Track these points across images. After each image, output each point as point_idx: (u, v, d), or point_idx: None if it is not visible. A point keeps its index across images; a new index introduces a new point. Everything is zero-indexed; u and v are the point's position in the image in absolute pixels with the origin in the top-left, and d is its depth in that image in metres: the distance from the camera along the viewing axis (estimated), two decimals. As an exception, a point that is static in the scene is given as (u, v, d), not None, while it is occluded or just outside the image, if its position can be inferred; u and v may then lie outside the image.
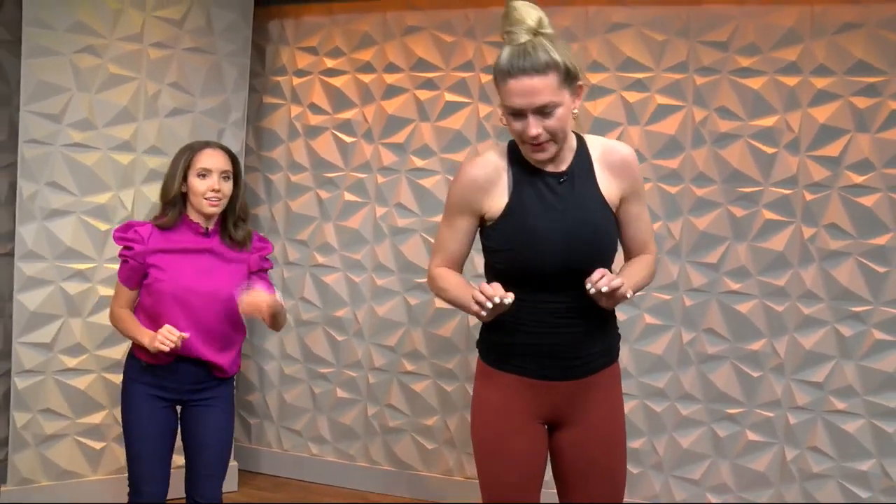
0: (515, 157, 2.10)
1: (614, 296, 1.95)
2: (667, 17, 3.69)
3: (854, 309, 3.54)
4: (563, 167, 2.09)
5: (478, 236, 2.24)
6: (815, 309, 3.59)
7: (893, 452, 3.52)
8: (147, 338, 2.56)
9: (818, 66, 3.53)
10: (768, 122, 3.59)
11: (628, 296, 1.96)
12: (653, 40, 3.71)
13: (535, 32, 1.96)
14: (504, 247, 2.09)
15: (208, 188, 2.61)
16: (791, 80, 3.56)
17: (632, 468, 3.80)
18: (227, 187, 2.67)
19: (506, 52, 1.98)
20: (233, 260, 2.72)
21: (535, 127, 1.96)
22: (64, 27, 3.57)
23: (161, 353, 2.52)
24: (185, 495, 2.79)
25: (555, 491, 2.33)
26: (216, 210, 2.65)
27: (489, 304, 1.90)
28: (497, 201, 2.09)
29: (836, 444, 3.59)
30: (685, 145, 3.70)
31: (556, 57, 1.94)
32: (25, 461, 3.63)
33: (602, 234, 2.10)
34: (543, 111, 1.95)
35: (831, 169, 3.53)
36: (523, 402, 2.15)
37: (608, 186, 2.12)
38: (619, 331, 2.29)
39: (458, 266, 2.23)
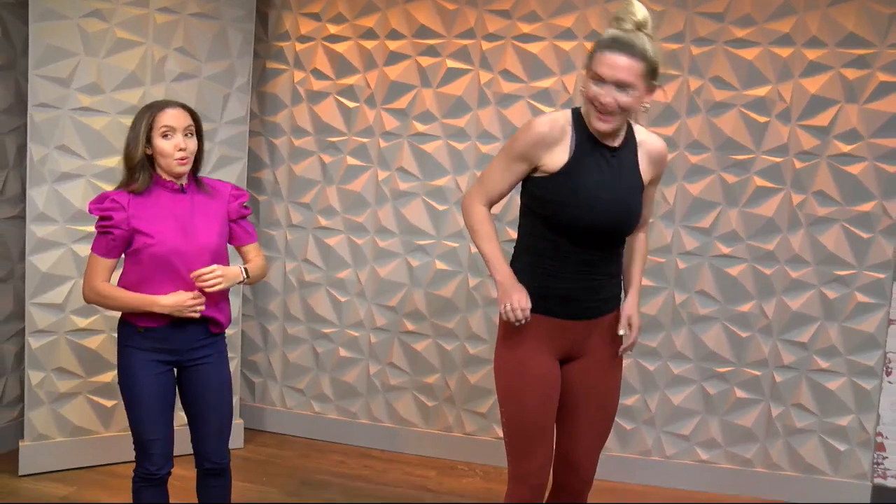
0: (579, 123, 2.35)
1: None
2: (665, -12, 3.78)
3: (839, 273, 3.69)
4: (616, 143, 2.38)
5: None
6: (802, 273, 3.74)
7: (871, 408, 3.72)
8: (167, 302, 2.55)
9: (811, 38, 3.64)
10: (761, 91, 3.71)
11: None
12: (651, 11, 3.77)
13: (639, 27, 2.25)
14: (555, 198, 2.34)
15: (175, 147, 2.57)
16: (784, 52, 3.67)
17: (625, 424, 3.96)
18: (193, 143, 2.64)
19: (611, 32, 2.26)
20: (212, 212, 2.70)
21: (609, 96, 2.22)
22: (71, -9, 3.60)
23: (184, 315, 2.58)
24: (192, 454, 2.79)
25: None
26: (185, 168, 2.62)
27: (516, 318, 2.34)
28: (557, 157, 2.34)
29: (818, 400, 3.77)
30: (680, 113, 3.80)
31: (650, 52, 2.23)
32: (40, 418, 3.73)
33: (634, 206, 2.41)
34: (621, 86, 2.21)
35: (820, 138, 3.66)
36: (544, 339, 2.44)
37: (644, 170, 2.45)
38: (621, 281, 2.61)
39: (493, 202, 2.50)
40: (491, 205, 2.49)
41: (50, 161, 3.65)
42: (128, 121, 3.66)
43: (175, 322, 2.62)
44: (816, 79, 3.65)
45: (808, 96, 3.65)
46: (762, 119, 3.71)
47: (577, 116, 2.37)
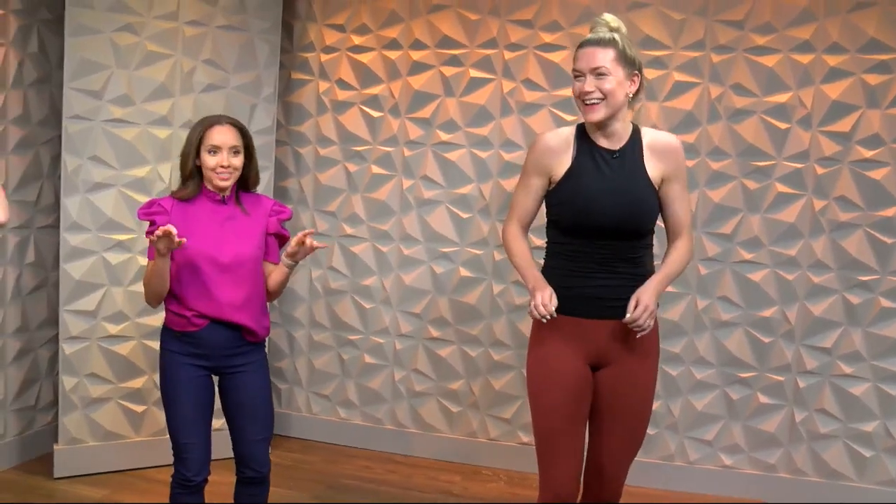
0: (582, 134, 2.52)
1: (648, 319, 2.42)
2: (685, -4, 3.82)
3: (862, 278, 3.70)
4: (618, 146, 2.48)
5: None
6: (825, 278, 3.75)
7: (896, 413, 3.71)
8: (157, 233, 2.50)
9: (831, 45, 3.66)
10: (782, 98, 3.73)
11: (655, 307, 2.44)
12: (671, 19, 3.83)
13: (613, 31, 2.43)
14: (563, 201, 2.48)
15: (217, 164, 2.68)
16: (804, 58, 3.69)
17: (648, 429, 3.96)
18: (238, 161, 2.72)
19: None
20: (250, 225, 2.77)
21: (588, 84, 2.39)
22: (104, 6, 3.69)
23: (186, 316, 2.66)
24: (229, 457, 2.83)
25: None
26: (227, 184, 2.71)
27: (540, 314, 2.37)
28: (562, 165, 2.50)
29: (842, 406, 3.76)
30: (701, 120, 3.84)
31: (616, 39, 2.40)
32: (74, 422, 3.81)
33: (641, 203, 2.47)
34: (597, 73, 2.38)
35: (842, 144, 3.68)
36: (573, 341, 2.50)
37: (653, 167, 2.49)
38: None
39: (528, 222, 2.63)
40: (524, 225, 2.62)
41: (83, 171, 3.74)
42: (158, 131, 3.87)
43: (210, 327, 2.69)
44: (837, 84, 3.67)
45: (830, 102, 3.67)
46: (783, 125, 3.73)
47: (580, 129, 2.53)
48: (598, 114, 2.41)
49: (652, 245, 2.56)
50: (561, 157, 2.50)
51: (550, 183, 2.53)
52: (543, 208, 2.61)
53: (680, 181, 2.54)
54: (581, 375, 2.50)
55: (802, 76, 3.71)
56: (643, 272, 2.52)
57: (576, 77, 2.44)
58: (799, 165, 3.74)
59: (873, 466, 3.74)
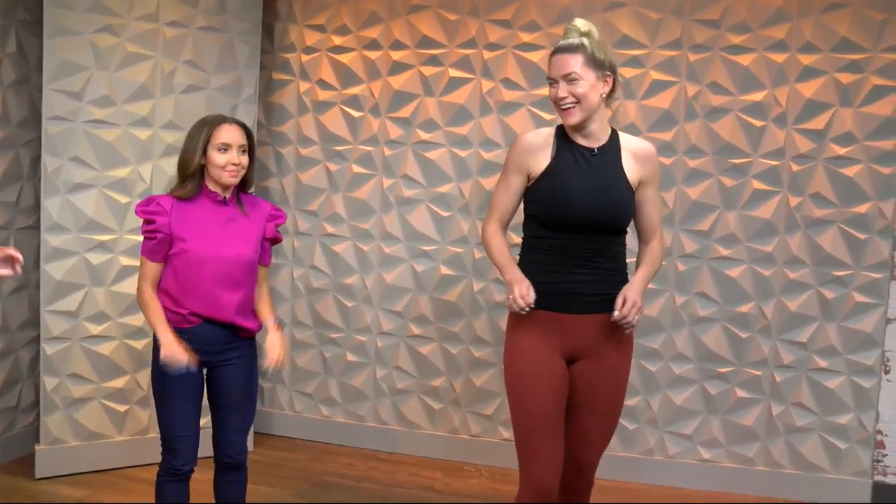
0: (561, 133, 2.59)
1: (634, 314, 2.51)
2: (662, -4, 3.87)
3: (836, 273, 3.76)
4: (597, 145, 2.56)
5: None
6: (800, 273, 3.80)
7: (870, 406, 3.78)
8: (165, 342, 2.62)
9: (805, 44, 3.71)
10: (757, 96, 3.78)
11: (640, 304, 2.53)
12: (648, 18, 3.88)
13: (584, 35, 2.49)
14: (540, 197, 2.54)
15: (228, 161, 2.70)
16: (779, 57, 3.75)
17: (628, 424, 4.03)
18: (245, 160, 2.76)
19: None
20: (249, 226, 2.80)
21: (561, 91, 2.47)
22: (83, 7, 3.69)
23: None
24: (211, 456, 2.86)
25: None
26: (235, 180, 2.74)
27: (518, 306, 2.42)
28: (542, 163, 2.56)
29: (818, 399, 3.82)
30: (678, 119, 3.88)
31: (585, 43, 2.46)
32: (56, 423, 3.81)
33: (619, 200, 2.54)
34: (569, 79, 2.45)
35: (816, 141, 3.73)
36: (548, 335, 2.54)
37: (631, 170, 2.57)
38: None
39: (507, 220, 2.68)
40: (503, 224, 2.66)
41: (63, 172, 3.74)
42: (139, 132, 3.87)
43: (204, 324, 2.72)
44: (811, 83, 3.72)
45: (804, 100, 3.73)
46: (759, 123, 3.79)
47: (561, 128, 2.60)
48: (575, 117, 2.48)
49: (625, 242, 2.61)
50: (540, 155, 2.56)
51: (529, 180, 2.58)
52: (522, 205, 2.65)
53: (654, 186, 2.64)
54: (558, 370, 2.54)
55: (777, 75, 3.76)
56: (618, 267, 2.59)
57: (550, 84, 2.51)
58: (775, 163, 3.79)
59: (848, 458, 3.81)
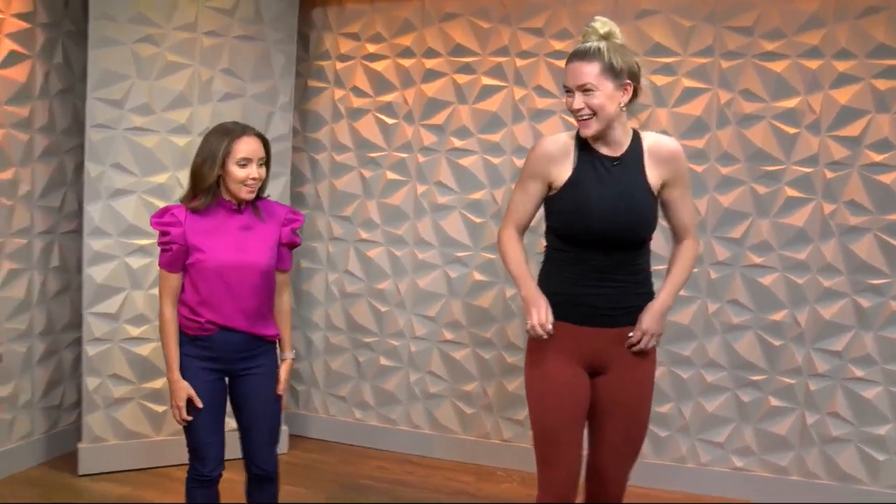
0: (580, 141, 2.50)
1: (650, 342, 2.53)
2: (694, 3, 3.84)
3: (872, 282, 3.71)
4: (618, 153, 2.48)
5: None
6: (835, 282, 3.76)
7: (910, 417, 3.71)
8: (170, 380, 2.72)
9: (840, 50, 3.67)
10: (791, 103, 3.75)
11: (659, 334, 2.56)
12: (680, 26, 3.87)
13: (605, 38, 2.41)
14: (563, 210, 2.48)
15: (247, 176, 2.63)
16: (813, 64, 3.71)
17: (659, 431, 4.02)
18: (263, 172, 2.70)
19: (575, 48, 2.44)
20: (265, 233, 2.75)
21: (577, 102, 2.39)
22: (126, 18, 3.81)
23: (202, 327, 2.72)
24: (242, 458, 2.87)
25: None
26: (252, 196, 2.69)
27: (533, 327, 2.43)
28: (563, 173, 2.49)
29: (854, 409, 3.77)
30: (711, 126, 3.87)
31: (602, 50, 2.36)
32: (97, 422, 3.93)
33: (640, 213, 2.47)
34: (585, 89, 2.37)
35: (851, 148, 3.69)
36: (569, 348, 2.51)
37: (652, 173, 2.49)
38: (652, 296, 2.60)
39: (524, 228, 2.63)
40: (520, 229, 2.62)
41: (105, 178, 3.86)
42: (177, 139, 3.95)
43: (221, 332, 2.71)
44: (846, 89, 3.68)
45: (839, 107, 3.69)
46: (792, 130, 3.76)
47: (579, 135, 2.50)
48: (591, 129, 2.41)
49: (650, 249, 2.58)
50: (561, 165, 2.49)
51: (551, 189, 2.52)
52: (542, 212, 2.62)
53: (681, 185, 2.54)
54: (579, 382, 2.52)
55: (811, 81, 3.73)
56: (641, 279, 2.56)
57: (566, 92, 2.44)
58: (808, 170, 3.76)
59: (886, 470, 3.74)
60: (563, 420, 2.51)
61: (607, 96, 2.37)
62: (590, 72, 2.35)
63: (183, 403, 2.70)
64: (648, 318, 2.51)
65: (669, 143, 2.55)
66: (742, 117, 3.82)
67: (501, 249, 2.63)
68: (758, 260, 3.85)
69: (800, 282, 3.80)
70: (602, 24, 2.43)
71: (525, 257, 2.60)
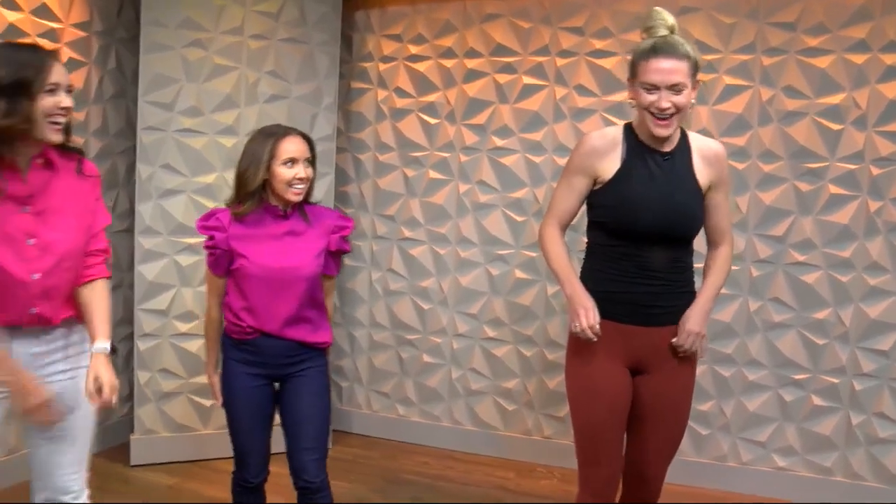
0: (629, 134, 2.48)
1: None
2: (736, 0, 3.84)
3: (919, 280, 3.65)
4: (668, 149, 2.46)
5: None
6: (881, 280, 3.70)
7: (960, 419, 3.64)
8: (210, 378, 2.81)
9: (888, 44, 3.61)
10: (835, 99, 3.71)
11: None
12: (721, 23, 3.85)
13: (671, 30, 2.39)
14: (610, 205, 2.45)
15: (294, 177, 2.59)
16: (859, 58, 3.66)
17: (700, 429, 4.00)
18: (310, 172, 2.66)
19: (650, 41, 2.38)
20: (312, 238, 2.70)
21: (665, 100, 2.32)
22: (175, 24, 3.92)
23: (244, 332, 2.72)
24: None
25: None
26: (299, 198, 2.64)
27: (583, 330, 2.40)
28: (611, 167, 2.45)
29: (901, 410, 3.71)
30: (752, 123, 3.84)
31: (690, 51, 2.35)
32: (148, 414, 4.06)
33: (689, 208, 2.46)
34: (674, 88, 2.32)
35: (898, 144, 3.64)
36: (612, 346, 2.48)
37: (701, 173, 2.49)
38: (694, 296, 2.59)
39: (566, 224, 2.59)
40: (563, 226, 2.58)
41: (155, 179, 3.98)
42: (225, 140, 4.05)
43: (263, 338, 2.67)
44: (894, 84, 3.62)
45: (886, 102, 3.63)
46: (836, 126, 3.71)
47: (628, 129, 2.50)
48: (671, 128, 2.38)
49: (693, 250, 2.56)
50: (608, 159, 2.45)
51: (596, 184, 2.49)
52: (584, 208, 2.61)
53: (724, 189, 2.56)
54: (621, 381, 2.51)
55: (857, 76, 3.67)
56: (686, 278, 2.54)
57: (647, 90, 2.35)
58: (853, 166, 3.71)
59: (933, 472, 3.69)
60: (608, 418, 2.49)
61: (688, 94, 2.35)
62: (681, 70, 2.31)
63: (218, 403, 2.78)
64: (693, 320, 2.49)
65: (716, 146, 2.55)
66: (784, 114, 3.78)
67: (544, 247, 2.58)
68: (800, 258, 3.81)
69: (844, 280, 3.75)
70: (669, 16, 2.39)
71: (568, 254, 2.56)
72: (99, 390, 2.16)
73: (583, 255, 2.63)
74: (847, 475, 3.82)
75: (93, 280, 2.31)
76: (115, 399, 2.19)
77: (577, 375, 2.55)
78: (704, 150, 2.50)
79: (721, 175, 2.53)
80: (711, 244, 2.63)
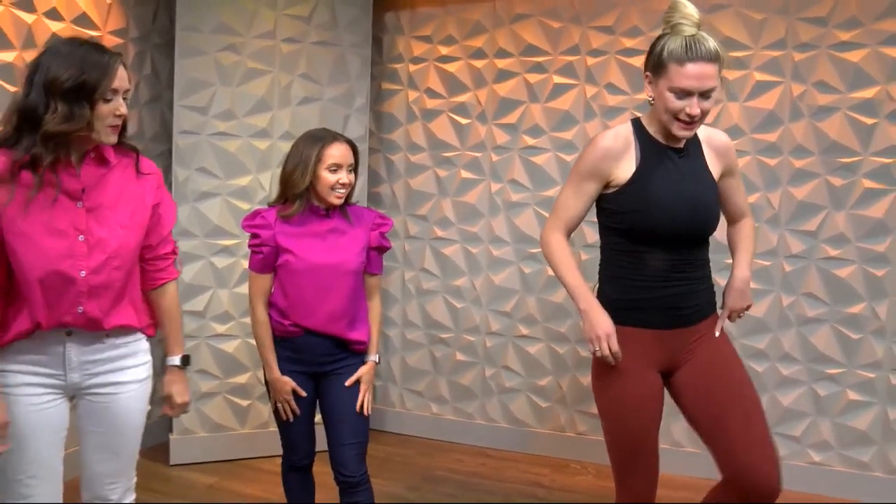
0: (641, 132, 2.37)
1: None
2: (766, -5, 3.83)
3: (955, 273, 3.63)
4: (681, 145, 2.37)
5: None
6: (916, 274, 3.70)
7: None
8: (272, 376, 2.78)
9: (924, 35, 3.60)
10: (868, 93, 3.70)
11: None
12: (751, 19, 3.85)
13: (698, 26, 2.23)
14: (630, 209, 2.33)
15: (338, 182, 2.68)
16: (893, 51, 3.64)
17: (735, 426, 4.00)
18: (352, 178, 2.75)
19: (679, 40, 2.21)
20: (354, 235, 2.77)
21: (696, 107, 2.21)
22: (209, 29, 3.99)
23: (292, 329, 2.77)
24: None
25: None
26: (341, 201, 2.73)
27: (605, 357, 2.31)
28: (626, 169, 2.34)
29: (939, 404, 3.70)
30: (783, 119, 3.84)
31: (719, 49, 2.21)
32: (186, 415, 4.08)
33: (712, 204, 2.41)
34: (707, 94, 2.22)
35: (932, 137, 3.62)
36: (641, 352, 2.37)
37: (713, 164, 2.43)
38: (717, 289, 2.55)
39: (573, 228, 2.48)
40: (569, 232, 2.47)
41: (191, 181, 4.04)
42: (258, 143, 4.10)
43: (306, 335, 2.74)
44: (928, 77, 3.62)
45: (919, 96, 3.63)
46: (869, 121, 3.70)
47: (638, 125, 2.40)
48: (692, 132, 2.30)
49: (709, 242, 2.51)
50: (623, 161, 2.34)
51: (609, 187, 2.37)
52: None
53: (735, 173, 2.52)
54: (655, 392, 2.42)
55: (891, 70, 3.66)
56: (706, 274, 2.47)
57: (678, 96, 2.22)
58: (888, 160, 3.69)
59: (971, 466, 3.67)
60: (642, 435, 2.41)
61: (716, 96, 2.26)
62: (713, 73, 2.20)
63: (290, 397, 2.78)
64: (736, 297, 2.53)
65: (722, 135, 2.49)
66: (816, 109, 3.78)
67: (550, 254, 2.45)
68: (834, 252, 3.80)
69: (879, 274, 3.74)
70: (693, 9, 2.24)
71: (576, 263, 2.45)
72: (171, 405, 2.36)
73: (581, 253, 2.56)
74: (886, 470, 3.80)
75: (164, 283, 2.36)
76: (185, 410, 2.50)
77: (607, 386, 2.43)
78: (714, 142, 2.44)
79: (731, 161, 2.48)
80: (731, 221, 2.61)
